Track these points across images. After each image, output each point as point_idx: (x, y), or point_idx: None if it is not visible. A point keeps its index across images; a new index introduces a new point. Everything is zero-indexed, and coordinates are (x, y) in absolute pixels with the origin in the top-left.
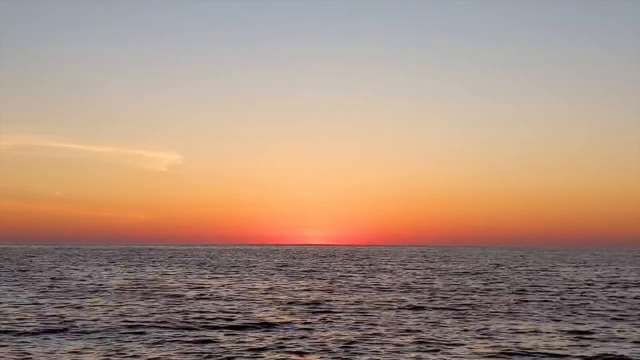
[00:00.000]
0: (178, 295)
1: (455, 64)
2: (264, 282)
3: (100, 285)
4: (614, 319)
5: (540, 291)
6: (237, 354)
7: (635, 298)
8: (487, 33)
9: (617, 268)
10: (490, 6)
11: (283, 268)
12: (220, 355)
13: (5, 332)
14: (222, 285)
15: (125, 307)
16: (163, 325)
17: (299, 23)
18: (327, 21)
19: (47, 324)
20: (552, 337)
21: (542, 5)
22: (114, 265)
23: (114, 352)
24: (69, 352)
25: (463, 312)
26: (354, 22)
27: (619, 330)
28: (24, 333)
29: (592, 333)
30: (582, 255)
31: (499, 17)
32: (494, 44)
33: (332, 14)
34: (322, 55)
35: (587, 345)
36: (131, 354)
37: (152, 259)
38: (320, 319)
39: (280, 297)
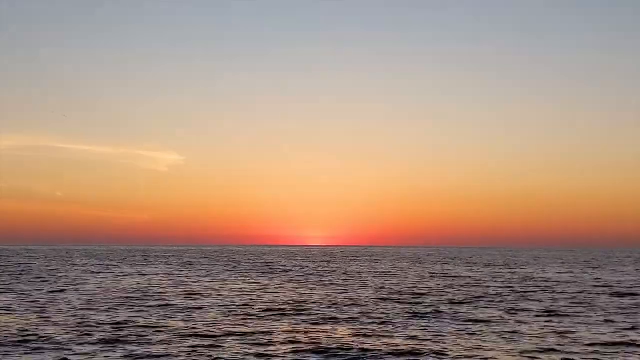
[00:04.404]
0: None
1: (456, 64)
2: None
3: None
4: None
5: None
6: None
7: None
8: (487, 33)
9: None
10: (490, 7)
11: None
12: None
13: None
14: None
15: None
16: None
17: (299, 25)
18: (328, 23)
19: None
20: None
21: (541, 7)
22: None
23: None
24: None
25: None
26: (354, 25)
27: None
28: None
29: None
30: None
31: (498, 17)
32: (494, 44)
33: (334, 16)
34: (323, 56)
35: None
36: None
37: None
38: None
39: None
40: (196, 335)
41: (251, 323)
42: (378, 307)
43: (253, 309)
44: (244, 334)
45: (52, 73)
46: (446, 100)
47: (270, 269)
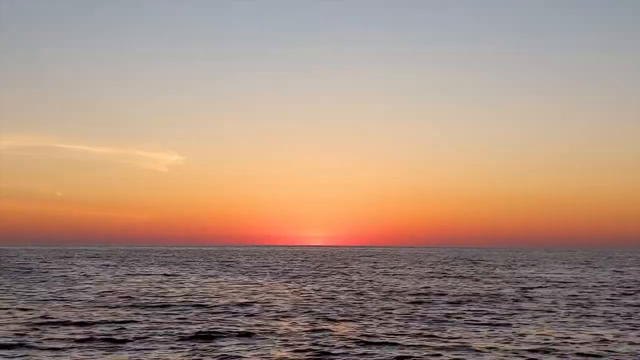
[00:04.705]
0: None
1: (456, 64)
2: None
3: None
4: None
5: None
6: None
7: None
8: (487, 33)
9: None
10: (490, 7)
11: None
12: None
13: None
14: None
15: None
16: None
17: (299, 25)
18: (328, 23)
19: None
20: None
21: (541, 7)
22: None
23: None
24: None
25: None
26: (354, 25)
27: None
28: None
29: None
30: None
31: (498, 17)
32: (494, 44)
33: (334, 16)
34: (323, 56)
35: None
36: None
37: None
38: None
39: None
40: (197, 336)
41: (252, 323)
42: (379, 306)
43: (254, 308)
44: (245, 334)
45: (52, 73)
46: (446, 100)
47: (271, 269)
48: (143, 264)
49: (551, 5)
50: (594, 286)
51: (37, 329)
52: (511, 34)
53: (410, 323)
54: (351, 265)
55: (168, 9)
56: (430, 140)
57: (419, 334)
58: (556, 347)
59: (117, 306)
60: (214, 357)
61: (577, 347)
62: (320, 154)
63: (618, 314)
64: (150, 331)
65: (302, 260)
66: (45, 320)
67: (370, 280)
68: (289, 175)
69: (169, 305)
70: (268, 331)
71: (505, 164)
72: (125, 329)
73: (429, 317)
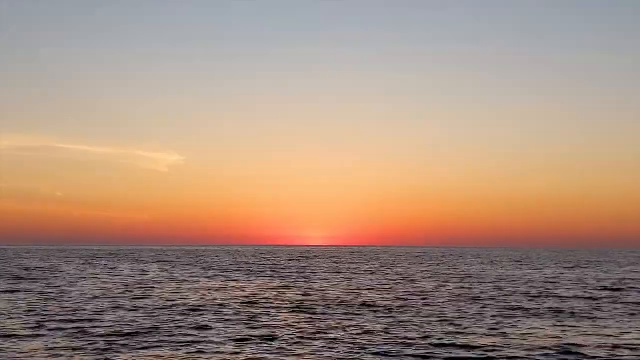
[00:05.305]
0: None
1: (456, 64)
2: None
3: None
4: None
5: None
6: None
7: None
8: (487, 33)
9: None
10: (490, 7)
11: None
12: None
13: None
14: None
15: None
16: None
17: (299, 25)
18: (328, 23)
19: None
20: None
21: (541, 7)
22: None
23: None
24: None
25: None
26: (354, 25)
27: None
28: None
29: None
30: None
31: (498, 17)
32: (494, 44)
33: (334, 16)
34: (323, 56)
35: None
36: None
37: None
38: None
39: None
40: (197, 337)
41: (251, 324)
42: (379, 306)
43: (253, 309)
44: (246, 335)
45: (52, 73)
46: (446, 100)
47: (271, 269)
48: (142, 264)
49: (551, 5)
50: (595, 286)
51: (35, 330)
52: (511, 34)
53: (412, 323)
54: (351, 266)
55: (168, 9)
56: (430, 140)
57: (420, 334)
58: (557, 347)
59: (116, 306)
60: (211, 359)
61: (577, 348)
62: (320, 154)
63: (618, 314)
64: (149, 332)
65: (301, 261)
66: (44, 321)
67: (370, 280)
68: (289, 175)
69: (168, 306)
70: (268, 333)
71: (505, 164)
72: (123, 328)
73: (430, 317)
